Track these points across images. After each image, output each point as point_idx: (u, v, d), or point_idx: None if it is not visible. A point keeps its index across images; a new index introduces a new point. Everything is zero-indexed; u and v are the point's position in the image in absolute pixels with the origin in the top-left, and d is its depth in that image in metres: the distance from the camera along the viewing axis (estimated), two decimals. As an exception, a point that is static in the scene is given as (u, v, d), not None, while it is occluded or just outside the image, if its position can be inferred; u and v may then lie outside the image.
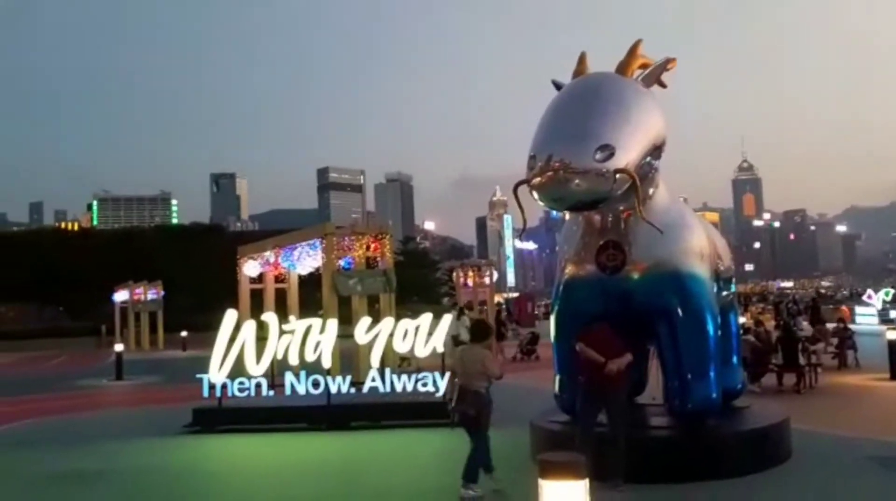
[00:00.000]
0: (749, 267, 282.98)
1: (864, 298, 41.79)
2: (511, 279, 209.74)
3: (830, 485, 7.60)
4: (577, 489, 3.88)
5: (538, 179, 6.95)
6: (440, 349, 12.04)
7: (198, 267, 54.55)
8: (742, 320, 20.17)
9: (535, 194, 7.08)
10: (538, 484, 3.95)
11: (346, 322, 14.11)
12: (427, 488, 8.18)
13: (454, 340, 24.30)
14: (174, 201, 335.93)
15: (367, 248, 16.76)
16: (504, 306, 52.43)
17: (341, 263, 16.79)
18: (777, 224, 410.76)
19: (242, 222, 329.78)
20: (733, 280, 10.57)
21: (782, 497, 7.25)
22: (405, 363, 15.87)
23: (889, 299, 37.15)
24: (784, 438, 8.61)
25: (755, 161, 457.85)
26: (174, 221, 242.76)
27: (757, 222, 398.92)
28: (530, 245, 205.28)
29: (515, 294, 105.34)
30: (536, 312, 51.89)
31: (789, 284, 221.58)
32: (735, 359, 10.00)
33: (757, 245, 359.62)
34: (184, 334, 35.70)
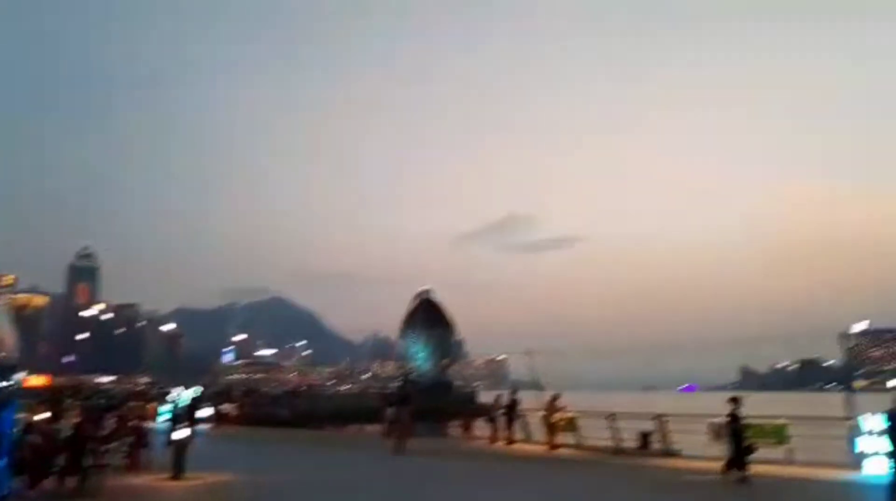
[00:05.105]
0: (72, 358, 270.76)
1: (169, 397, 44.04)
2: None
3: None
4: None
5: None
6: None
7: None
8: (39, 417, 18.79)
9: None
10: None
11: None
12: None
13: None
14: None
15: None
16: None
17: None
18: (108, 316, 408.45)
19: None
20: (16, 369, 9.79)
21: None
22: None
23: (197, 396, 39.88)
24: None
25: (100, 249, 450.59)
26: None
27: (87, 313, 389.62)
28: None
29: None
30: None
31: (112, 378, 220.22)
32: (2, 462, 9.10)
33: (85, 336, 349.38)
34: None
